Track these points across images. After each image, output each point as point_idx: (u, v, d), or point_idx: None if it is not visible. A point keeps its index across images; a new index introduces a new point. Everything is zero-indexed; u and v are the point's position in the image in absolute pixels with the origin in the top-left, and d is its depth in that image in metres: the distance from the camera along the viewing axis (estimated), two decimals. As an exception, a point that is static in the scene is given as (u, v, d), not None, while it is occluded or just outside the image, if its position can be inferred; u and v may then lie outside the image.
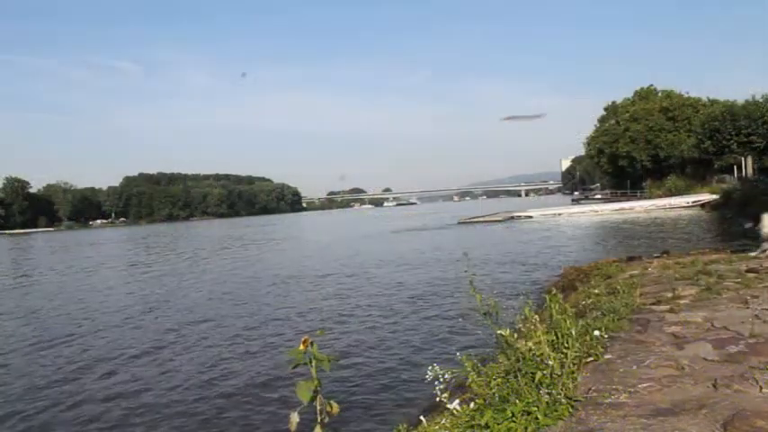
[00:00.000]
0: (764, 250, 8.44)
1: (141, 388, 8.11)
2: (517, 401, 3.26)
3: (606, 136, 71.06)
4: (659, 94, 69.17)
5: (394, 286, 15.70)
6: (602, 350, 4.44)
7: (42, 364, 9.80)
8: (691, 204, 44.41)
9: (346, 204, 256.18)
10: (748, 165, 46.70)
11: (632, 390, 3.53)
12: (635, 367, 4.01)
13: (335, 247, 32.35)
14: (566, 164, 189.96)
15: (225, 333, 11.23)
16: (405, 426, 4.09)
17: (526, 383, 3.40)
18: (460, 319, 9.80)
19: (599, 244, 25.27)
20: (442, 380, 3.73)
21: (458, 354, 3.96)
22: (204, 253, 35.05)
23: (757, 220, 8.72)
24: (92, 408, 7.43)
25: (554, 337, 4.01)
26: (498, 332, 3.73)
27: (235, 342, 10.42)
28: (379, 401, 6.90)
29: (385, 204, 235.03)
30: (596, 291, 7.73)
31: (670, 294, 6.59)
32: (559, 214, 48.67)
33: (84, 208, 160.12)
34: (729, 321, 5.03)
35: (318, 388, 2.13)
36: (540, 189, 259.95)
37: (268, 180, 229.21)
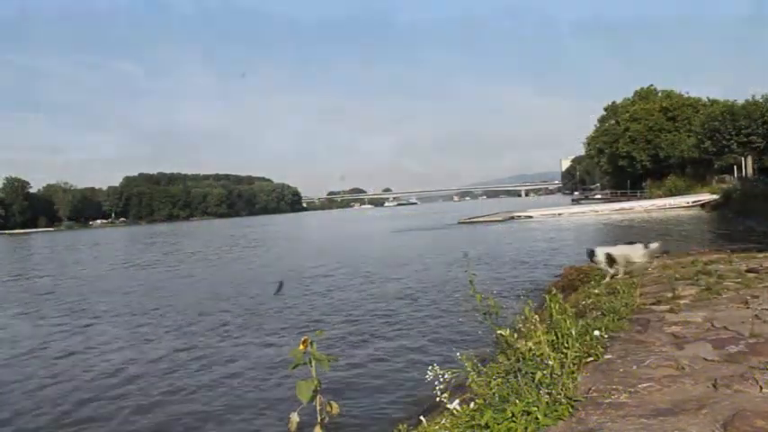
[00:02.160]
0: (609, 273, 8.81)
1: (141, 388, 8.12)
2: (517, 401, 3.26)
3: (606, 136, 71.12)
4: (659, 94, 69.14)
5: (394, 286, 15.71)
6: (602, 350, 4.43)
7: (49, 368, 9.81)
8: (691, 204, 44.46)
9: (346, 204, 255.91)
10: (748, 165, 46.75)
11: (632, 390, 3.53)
12: (635, 367, 4.01)
13: (337, 247, 32.37)
14: (566, 164, 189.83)
15: (226, 333, 11.24)
16: (405, 426, 4.08)
17: (526, 383, 3.40)
18: (461, 319, 9.79)
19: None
20: (441, 380, 3.72)
21: (458, 354, 3.95)
22: (208, 253, 35.08)
23: (592, 255, 9.09)
24: (93, 409, 7.45)
25: (554, 337, 4.01)
26: (498, 332, 3.73)
27: (236, 342, 10.42)
28: (378, 401, 6.90)
29: (386, 204, 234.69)
30: (596, 291, 7.73)
31: (670, 294, 6.59)
32: (560, 214, 48.72)
33: (84, 208, 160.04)
34: (729, 321, 5.03)
35: (318, 388, 2.13)
36: (540, 189, 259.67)
37: (268, 180, 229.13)
